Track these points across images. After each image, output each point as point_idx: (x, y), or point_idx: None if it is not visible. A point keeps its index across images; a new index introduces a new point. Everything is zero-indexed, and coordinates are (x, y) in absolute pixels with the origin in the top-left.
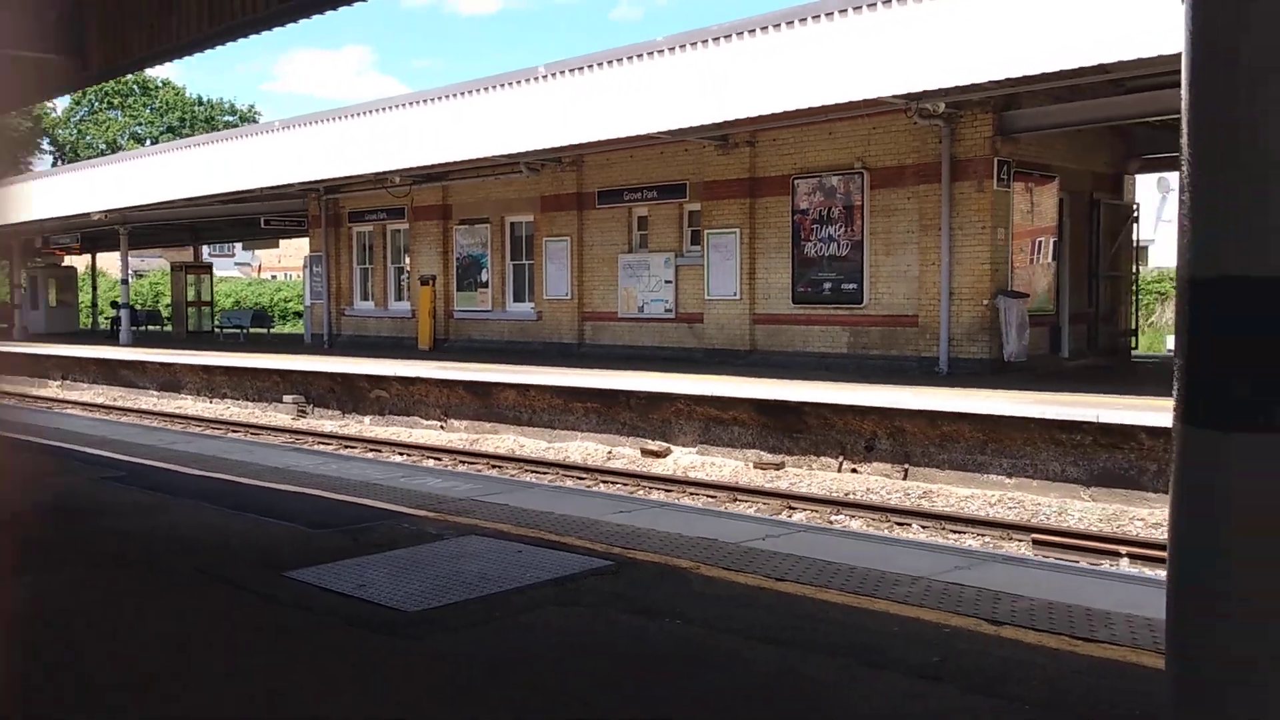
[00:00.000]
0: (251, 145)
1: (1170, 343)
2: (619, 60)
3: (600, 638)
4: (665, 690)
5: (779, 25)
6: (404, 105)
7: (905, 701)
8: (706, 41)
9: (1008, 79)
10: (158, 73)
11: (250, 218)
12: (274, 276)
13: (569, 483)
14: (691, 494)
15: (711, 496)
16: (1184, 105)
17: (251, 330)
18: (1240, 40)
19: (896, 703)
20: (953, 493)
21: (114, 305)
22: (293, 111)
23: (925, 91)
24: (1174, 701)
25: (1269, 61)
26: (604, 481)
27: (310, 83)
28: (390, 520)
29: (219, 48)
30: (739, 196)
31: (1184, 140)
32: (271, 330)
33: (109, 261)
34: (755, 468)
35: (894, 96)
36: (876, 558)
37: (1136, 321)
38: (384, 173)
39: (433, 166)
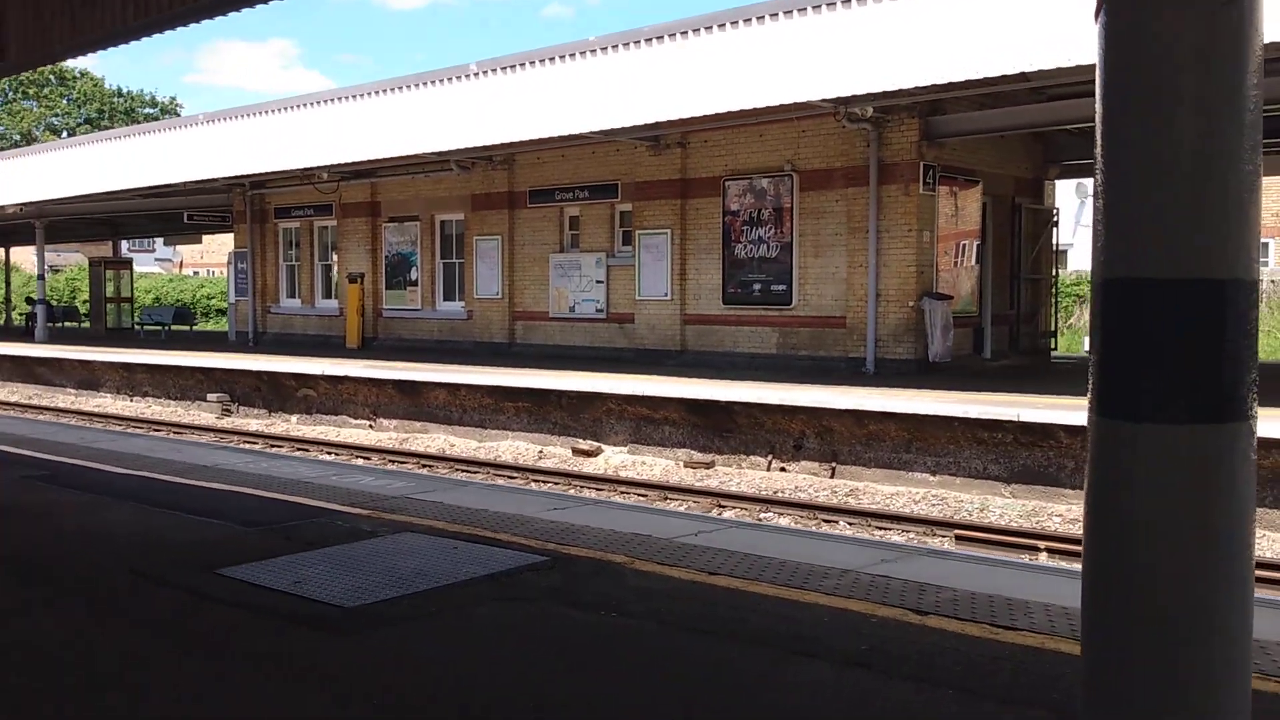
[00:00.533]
0: (175, 138)
1: (1089, 344)
2: (551, 59)
3: (539, 631)
4: (605, 682)
5: (711, 28)
6: (333, 100)
7: (835, 689)
8: (639, 42)
9: (933, 85)
10: (76, 63)
11: (173, 212)
12: (196, 273)
13: (501, 481)
14: (623, 493)
15: (643, 495)
16: (1098, 117)
17: (173, 328)
18: (1148, 56)
19: (827, 690)
20: (879, 490)
21: (29, 301)
22: (215, 104)
23: (854, 96)
24: (1086, 683)
25: (1174, 76)
26: (536, 480)
27: (234, 75)
28: (323, 518)
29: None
30: (670, 197)
31: (1098, 150)
32: (194, 328)
33: (23, 256)
34: (686, 467)
35: (823, 100)
36: (806, 553)
37: (1056, 323)
38: (312, 168)
39: (362, 163)
